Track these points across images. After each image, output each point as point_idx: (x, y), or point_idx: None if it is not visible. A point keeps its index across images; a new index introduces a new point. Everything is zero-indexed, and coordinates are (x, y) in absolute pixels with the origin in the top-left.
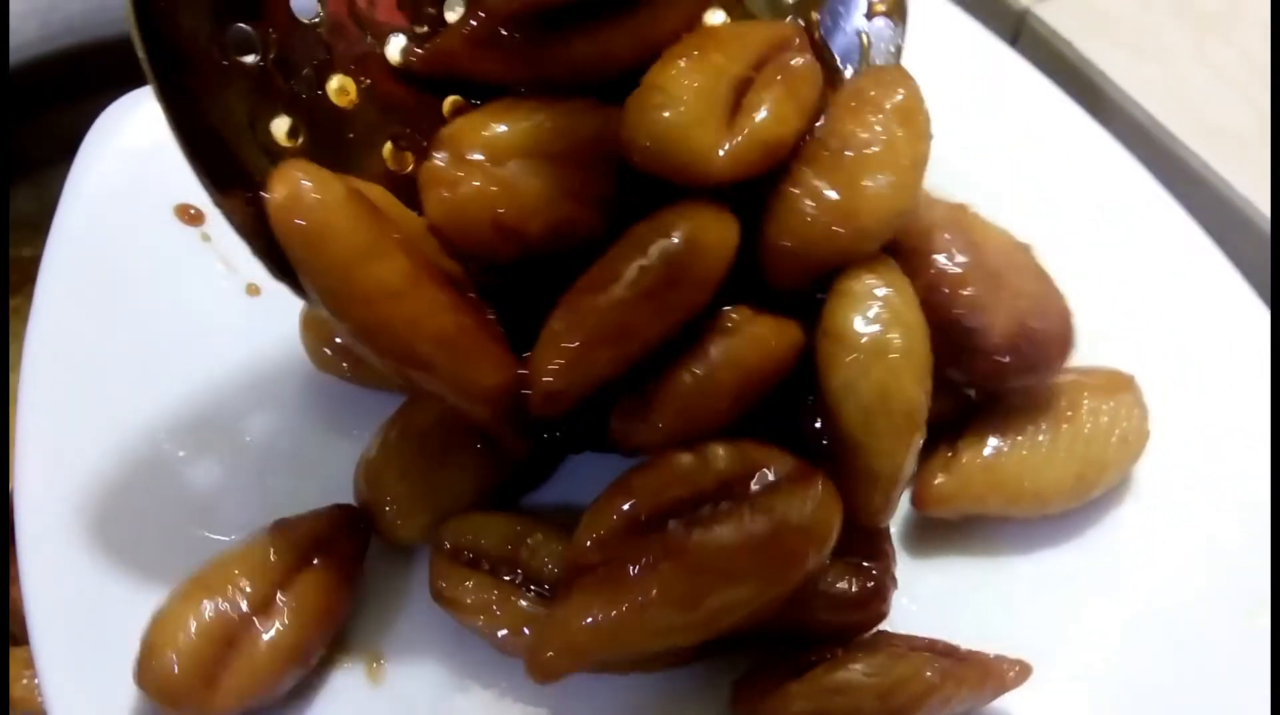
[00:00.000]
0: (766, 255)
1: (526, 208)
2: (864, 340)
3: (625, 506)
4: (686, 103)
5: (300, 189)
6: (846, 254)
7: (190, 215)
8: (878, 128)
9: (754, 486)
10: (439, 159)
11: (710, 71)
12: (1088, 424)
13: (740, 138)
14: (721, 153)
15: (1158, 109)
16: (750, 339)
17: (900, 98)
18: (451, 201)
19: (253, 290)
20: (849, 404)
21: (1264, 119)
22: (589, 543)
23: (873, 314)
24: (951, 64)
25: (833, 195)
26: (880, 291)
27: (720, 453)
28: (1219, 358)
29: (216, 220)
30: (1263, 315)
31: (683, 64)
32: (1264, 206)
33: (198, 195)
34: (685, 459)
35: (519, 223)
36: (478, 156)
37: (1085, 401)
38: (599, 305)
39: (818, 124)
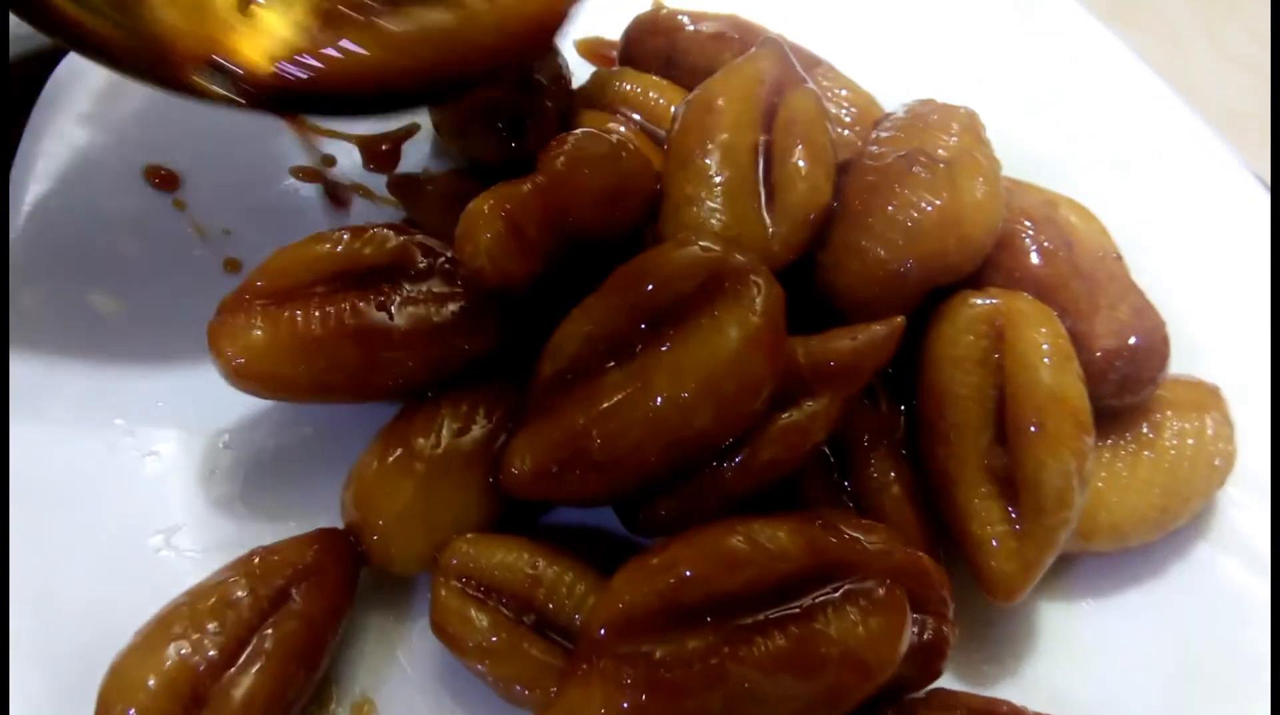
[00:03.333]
0: (856, 280)
1: None
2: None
3: (665, 587)
4: (724, 206)
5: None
6: (953, 270)
7: (161, 178)
8: (954, 143)
9: (819, 597)
10: None
11: (729, 156)
12: (1172, 447)
13: (787, 224)
14: (775, 244)
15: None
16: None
17: (964, 117)
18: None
19: (232, 266)
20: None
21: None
22: (615, 620)
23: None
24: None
25: (938, 204)
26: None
27: (786, 545)
28: None
29: (191, 184)
30: None
31: (702, 161)
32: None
33: (169, 153)
34: (740, 545)
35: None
36: None
37: (1170, 421)
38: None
39: (873, 148)
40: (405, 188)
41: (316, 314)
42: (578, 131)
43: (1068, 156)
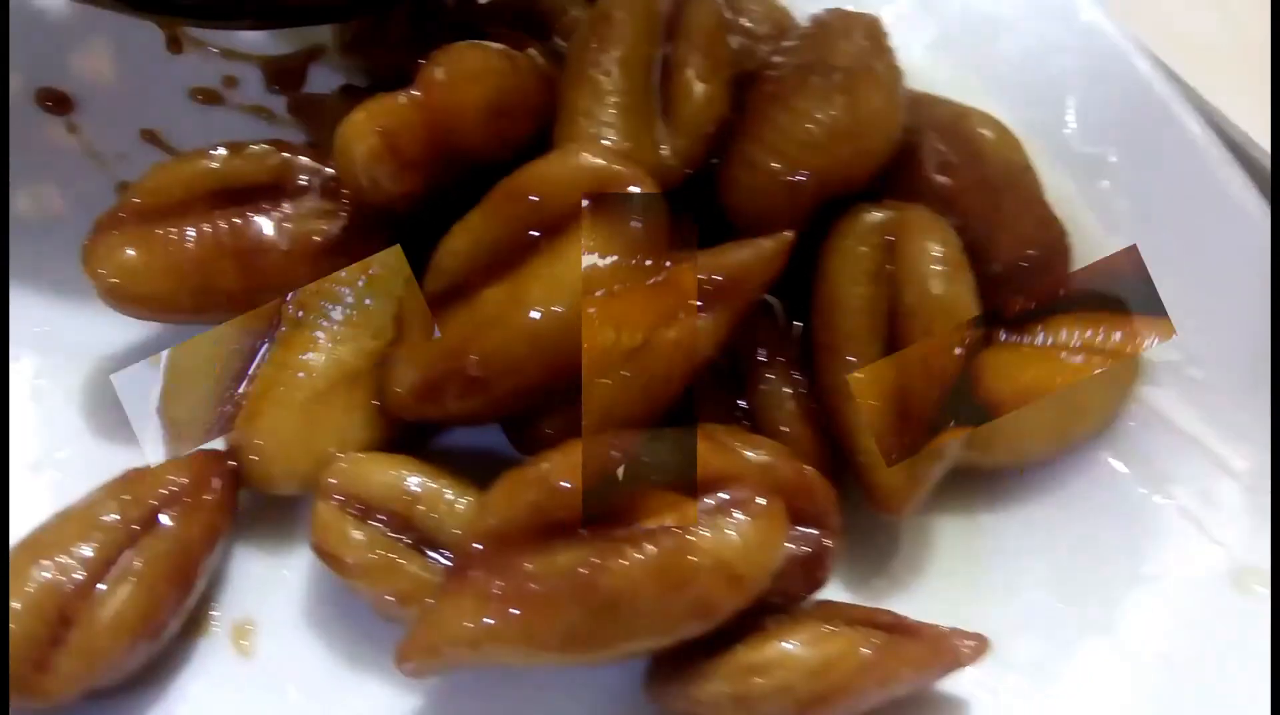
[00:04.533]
0: (749, 193)
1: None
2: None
3: (539, 499)
4: (618, 120)
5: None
6: (849, 182)
7: (54, 100)
8: (854, 52)
9: (697, 506)
10: None
11: (624, 69)
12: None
13: (682, 137)
14: (669, 157)
15: (1124, 17)
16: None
17: (865, 25)
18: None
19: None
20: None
21: (1236, 27)
22: (489, 533)
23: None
24: None
25: (833, 114)
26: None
27: None
28: (1220, 281)
29: (85, 107)
30: (1265, 235)
31: (596, 75)
32: (1236, 118)
33: (62, 75)
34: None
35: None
36: None
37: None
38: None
39: (776, 58)
40: (306, 108)
41: (192, 233)
42: (460, 43)
43: (996, 75)
